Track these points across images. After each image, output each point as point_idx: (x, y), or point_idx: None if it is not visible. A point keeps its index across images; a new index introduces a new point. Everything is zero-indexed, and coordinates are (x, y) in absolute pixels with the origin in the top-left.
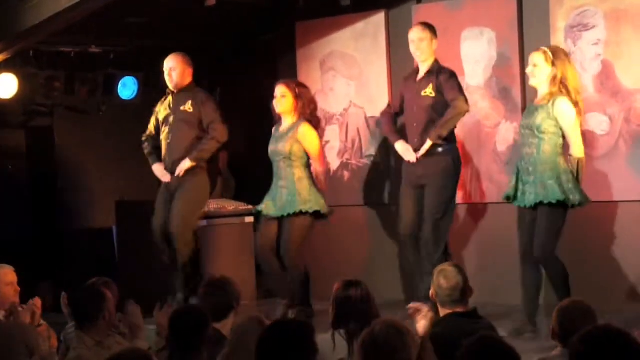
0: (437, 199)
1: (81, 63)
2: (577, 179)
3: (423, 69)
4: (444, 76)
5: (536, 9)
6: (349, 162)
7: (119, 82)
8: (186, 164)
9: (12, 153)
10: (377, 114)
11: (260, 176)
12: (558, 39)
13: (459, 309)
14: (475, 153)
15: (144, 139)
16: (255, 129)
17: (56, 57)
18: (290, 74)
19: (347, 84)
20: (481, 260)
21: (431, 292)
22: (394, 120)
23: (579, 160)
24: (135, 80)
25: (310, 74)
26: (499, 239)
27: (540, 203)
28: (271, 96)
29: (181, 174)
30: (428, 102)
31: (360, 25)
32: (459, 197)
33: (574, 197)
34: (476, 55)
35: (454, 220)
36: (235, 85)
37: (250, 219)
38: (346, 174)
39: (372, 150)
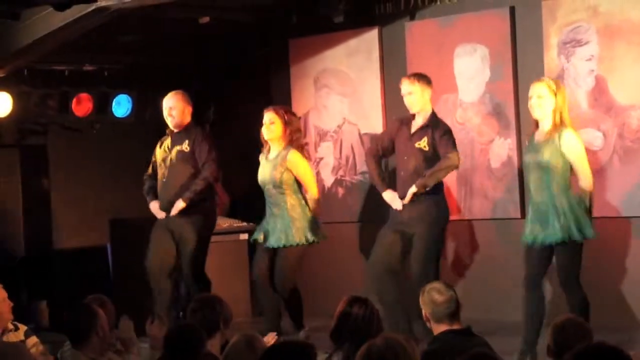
0: (424, 246)
1: (75, 81)
2: (589, 211)
3: (419, 120)
4: (440, 132)
5: (529, 25)
6: (343, 178)
7: (112, 100)
8: (179, 204)
9: (6, 171)
10: (371, 130)
11: (253, 193)
12: (551, 54)
13: (455, 326)
14: (469, 169)
15: (144, 178)
16: (248, 146)
17: (50, 75)
18: (283, 91)
19: (340, 100)
20: (475, 276)
21: (424, 313)
22: (380, 164)
23: (590, 194)
24: (129, 98)
25: (303, 91)
26: (493, 255)
27: (557, 243)
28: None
29: (175, 214)
30: (421, 154)
31: (353, 42)
32: (454, 215)
33: (588, 231)
34: (469, 72)
35: (449, 236)
36: (228, 103)
37: (244, 236)
38: (340, 191)
39: (366, 167)
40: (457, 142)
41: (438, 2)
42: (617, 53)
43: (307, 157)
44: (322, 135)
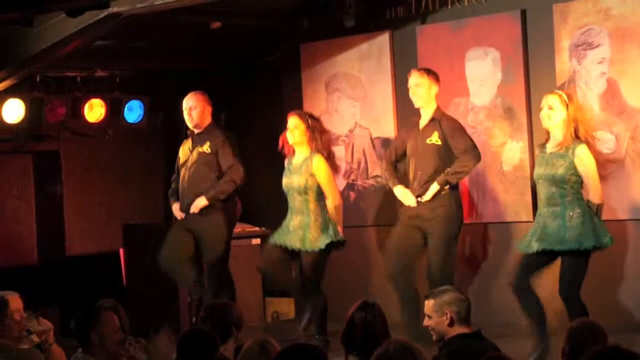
0: (443, 244)
1: (87, 87)
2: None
3: (425, 116)
4: (449, 124)
5: (540, 28)
6: (355, 183)
7: (124, 105)
8: (201, 201)
9: (19, 177)
10: (383, 134)
11: (266, 198)
12: (563, 58)
13: (467, 329)
14: (481, 173)
15: (172, 180)
16: (260, 151)
17: (62, 81)
18: (295, 96)
19: (352, 104)
20: (487, 279)
21: (448, 313)
22: (395, 167)
23: (598, 206)
24: (141, 104)
25: (315, 96)
26: (504, 258)
27: (568, 251)
28: (276, 118)
29: (195, 211)
30: (434, 149)
31: (364, 46)
32: (465, 218)
33: (605, 240)
34: (481, 75)
35: (461, 239)
36: (240, 108)
37: (257, 241)
38: (352, 195)
39: (378, 171)
40: None
41: (449, 6)
42: (628, 56)
43: (333, 167)
44: (333, 140)
